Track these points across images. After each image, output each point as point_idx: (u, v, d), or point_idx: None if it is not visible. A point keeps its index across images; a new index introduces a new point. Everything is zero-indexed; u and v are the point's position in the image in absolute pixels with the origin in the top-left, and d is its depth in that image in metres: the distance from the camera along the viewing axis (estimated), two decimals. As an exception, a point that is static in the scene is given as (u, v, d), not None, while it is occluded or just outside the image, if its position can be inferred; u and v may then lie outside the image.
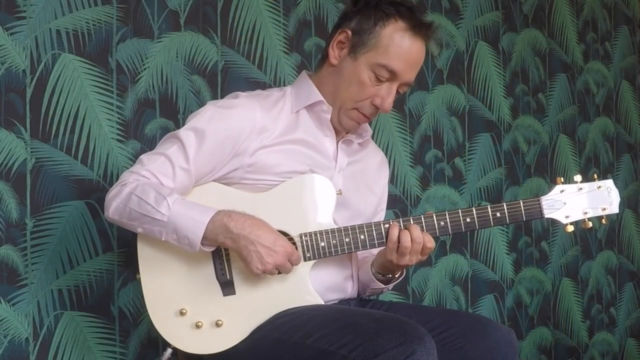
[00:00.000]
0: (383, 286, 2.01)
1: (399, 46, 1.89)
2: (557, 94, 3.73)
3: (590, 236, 3.87)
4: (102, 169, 2.21)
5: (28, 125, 2.08)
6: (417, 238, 1.85)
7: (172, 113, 2.38)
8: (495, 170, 3.41)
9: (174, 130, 2.33)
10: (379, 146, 2.90)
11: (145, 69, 2.32)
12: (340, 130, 2.01)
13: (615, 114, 4.07)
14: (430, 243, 1.87)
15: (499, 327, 1.90)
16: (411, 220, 1.89)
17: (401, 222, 1.89)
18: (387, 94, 1.92)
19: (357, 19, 1.93)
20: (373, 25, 1.90)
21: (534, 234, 3.58)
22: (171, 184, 1.84)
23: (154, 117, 2.34)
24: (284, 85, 2.62)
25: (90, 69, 2.20)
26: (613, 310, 4.02)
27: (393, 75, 1.90)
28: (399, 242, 1.86)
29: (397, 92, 1.94)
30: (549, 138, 3.68)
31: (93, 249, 2.19)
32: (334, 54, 1.94)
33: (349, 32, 1.92)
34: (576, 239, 3.79)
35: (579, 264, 3.82)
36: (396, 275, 2.00)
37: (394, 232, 1.86)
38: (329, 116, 1.96)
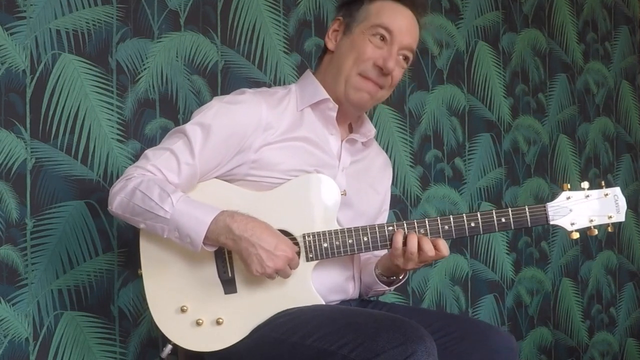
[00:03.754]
0: (386, 288, 2.02)
1: (390, 9, 1.95)
2: (557, 94, 3.73)
3: (590, 236, 3.87)
4: (102, 169, 2.21)
5: (28, 125, 2.08)
6: (428, 251, 1.85)
7: (172, 113, 2.38)
8: (495, 170, 3.41)
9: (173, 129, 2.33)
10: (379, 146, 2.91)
11: (145, 69, 2.32)
12: (348, 128, 2.02)
13: (615, 114, 4.07)
14: (446, 251, 1.86)
15: (499, 331, 1.90)
16: (415, 224, 1.88)
17: (405, 225, 1.88)
18: (388, 54, 1.93)
19: (345, 6, 2.00)
20: (361, 4, 1.97)
21: (534, 234, 3.58)
22: (176, 180, 1.84)
23: (154, 117, 2.34)
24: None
25: (90, 69, 2.20)
26: (613, 310, 4.02)
27: (389, 33, 1.93)
28: (405, 247, 1.86)
29: (401, 60, 1.96)
30: (549, 138, 3.68)
31: (93, 249, 2.19)
32: (331, 42, 2.00)
33: (341, 19, 1.99)
34: (576, 239, 3.79)
35: (579, 264, 3.82)
36: (400, 277, 2.00)
37: (398, 239, 1.86)
38: (334, 114, 1.97)
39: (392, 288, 2.04)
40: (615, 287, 4.03)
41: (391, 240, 1.87)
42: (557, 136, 3.73)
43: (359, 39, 1.94)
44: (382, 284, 2.00)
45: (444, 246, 1.87)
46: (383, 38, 1.93)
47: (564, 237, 3.70)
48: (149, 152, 1.89)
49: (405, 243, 1.86)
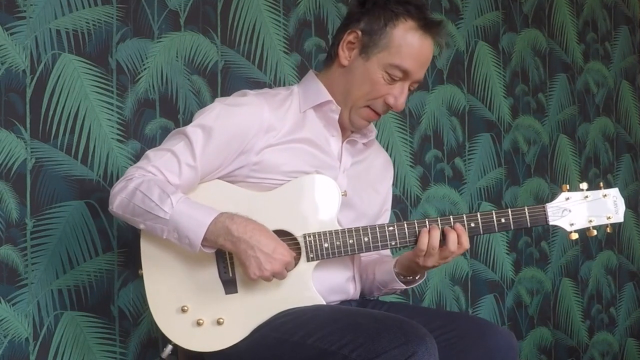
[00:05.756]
0: (404, 287, 2.02)
1: (411, 46, 1.89)
2: (557, 94, 3.73)
3: (590, 237, 3.86)
4: (102, 169, 2.21)
5: (28, 125, 2.08)
6: (451, 244, 1.85)
7: (172, 113, 2.38)
8: (495, 170, 3.41)
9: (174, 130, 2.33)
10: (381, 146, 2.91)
11: (145, 69, 2.32)
12: (348, 129, 2.02)
13: (615, 114, 4.07)
14: (467, 244, 1.87)
15: (500, 329, 1.89)
16: (416, 224, 1.88)
17: (406, 226, 1.88)
18: (400, 93, 1.92)
19: (365, 19, 1.91)
20: (383, 26, 1.89)
21: (534, 234, 3.58)
22: (177, 181, 1.84)
23: (154, 117, 2.34)
24: (284, 85, 2.62)
25: (90, 69, 2.20)
26: (613, 310, 4.02)
27: (406, 74, 1.91)
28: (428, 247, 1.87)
29: (409, 89, 1.95)
30: (549, 138, 3.68)
31: (93, 249, 2.19)
32: (344, 54, 1.93)
33: (359, 33, 1.91)
34: (576, 240, 3.79)
35: (579, 264, 3.82)
36: (416, 277, 2.00)
37: (424, 241, 1.86)
38: (336, 116, 1.96)
39: (409, 287, 2.04)
40: (615, 287, 4.03)
41: (418, 241, 1.87)
42: (557, 136, 3.73)
43: (375, 72, 1.90)
44: (400, 283, 2.00)
45: (465, 239, 1.86)
46: (398, 77, 1.91)
47: (564, 237, 3.70)
48: (150, 152, 1.88)
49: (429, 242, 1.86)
